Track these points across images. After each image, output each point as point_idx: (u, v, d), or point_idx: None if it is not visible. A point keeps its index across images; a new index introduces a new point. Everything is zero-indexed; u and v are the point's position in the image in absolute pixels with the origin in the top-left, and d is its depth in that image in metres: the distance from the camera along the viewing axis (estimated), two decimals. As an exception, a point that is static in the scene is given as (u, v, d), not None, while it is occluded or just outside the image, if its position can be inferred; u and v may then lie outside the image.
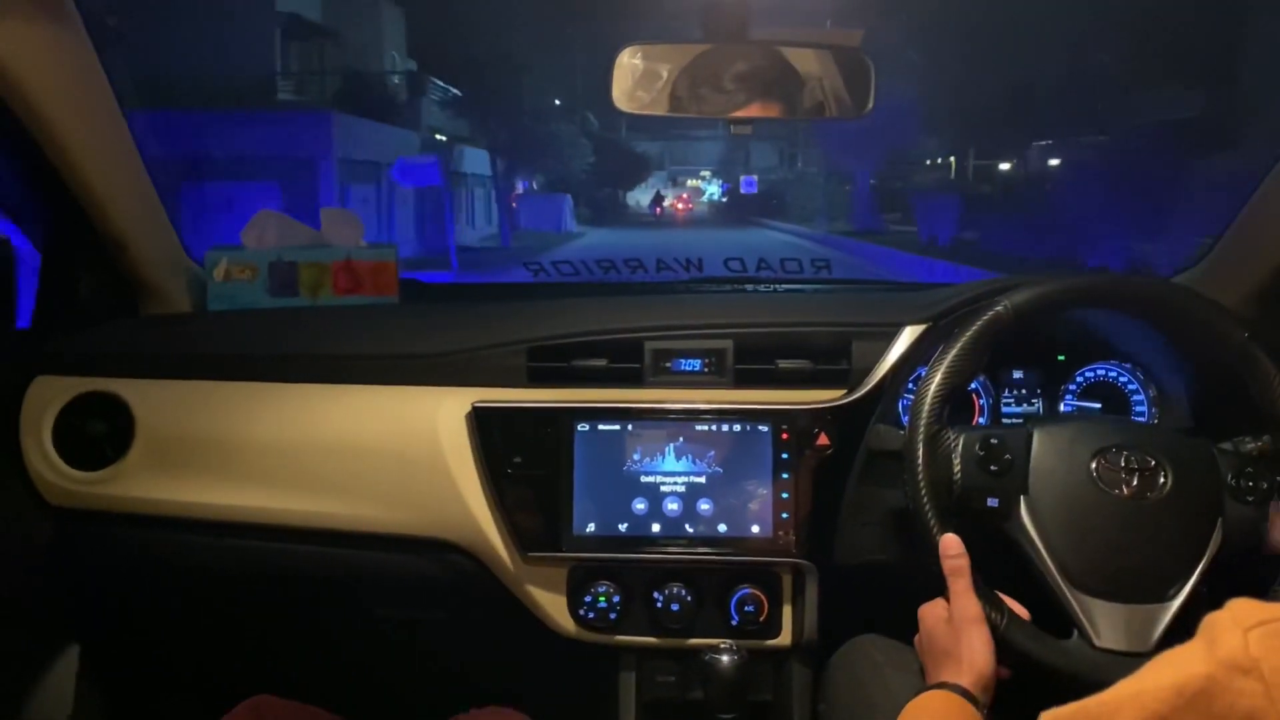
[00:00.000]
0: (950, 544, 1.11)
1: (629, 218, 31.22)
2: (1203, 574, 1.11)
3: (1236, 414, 1.22)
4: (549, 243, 20.10)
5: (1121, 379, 1.50)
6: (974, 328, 1.19)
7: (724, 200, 37.09)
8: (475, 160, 22.36)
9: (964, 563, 1.10)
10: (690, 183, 41.17)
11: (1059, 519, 1.13)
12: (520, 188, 26.00)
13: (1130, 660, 1.06)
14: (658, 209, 33.71)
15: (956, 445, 1.16)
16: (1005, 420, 1.50)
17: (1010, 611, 1.09)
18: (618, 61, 1.24)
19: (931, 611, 1.12)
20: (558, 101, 25.10)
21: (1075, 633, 1.09)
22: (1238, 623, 0.60)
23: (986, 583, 1.11)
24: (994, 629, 1.07)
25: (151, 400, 1.39)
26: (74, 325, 1.48)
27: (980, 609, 1.07)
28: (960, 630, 1.06)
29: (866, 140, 20.46)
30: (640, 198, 35.67)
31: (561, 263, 1.89)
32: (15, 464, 1.38)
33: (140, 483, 1.38)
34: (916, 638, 1.15)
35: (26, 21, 1.15)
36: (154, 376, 1.41)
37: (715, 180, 39.13)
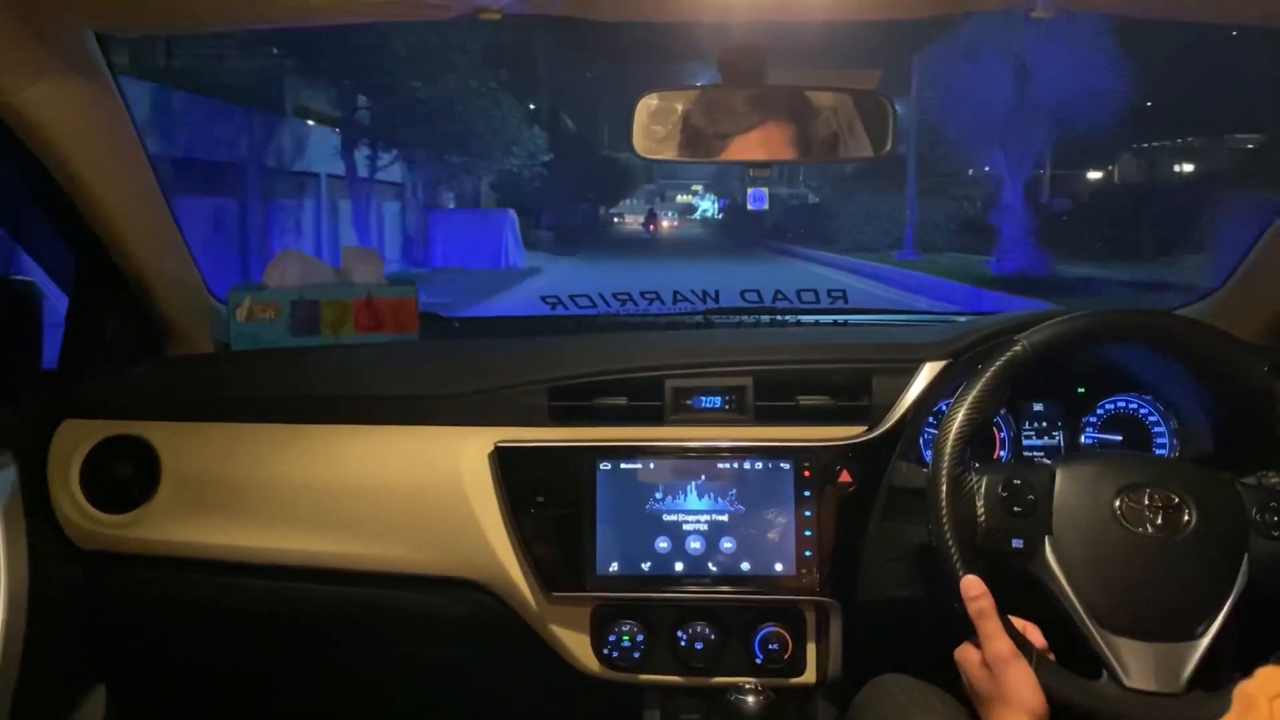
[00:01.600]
0: (971, 585, 1.10)
1: (611, 241, 24.73)
2: (1230, 611, 1.10)
3: (1259, 446, 1.22)
4: (472, 290, 11.79)
5: (1142, 411, 1.50)
6: (993, 368, 1.19)
7: (720, 218, 33.17)
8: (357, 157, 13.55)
9: (988, 603, 1.09)
10: (680, 198, 37.71)
11: (1084, 558, 1.13)
12: (450, 200, 17.92)
13: (1160, 700, 1.06)
14: (651, 226, 29.95)
15: (979, 486, 1.16)
16: (1026, 453, 1.50)
17: (1038, 652, 1.09)
18: (637, 108, 1.26)
19: (967, 656, 1.11)
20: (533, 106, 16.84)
21: (1104, 673, 1.09)
22: (1264, 692, 0.61)
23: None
24: None
25: (177, 443, 1.41)
26: (100, 367, 1.50)
27: (1013, 647, 1.07)
28: (998, 672, 1.06)
29: (1020, 128, 12.87)
30: (625, 216, 31.03)
31: (579, 296, 1.90)
32: (43, 507, 1.40)
33: (166, 525, 1.39)
34: (964, 682, 1.14)
35: (56, 77, 1.17)
36: (179, 419, 1.43)
37: (709, 195, 35.70)
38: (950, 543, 1.13)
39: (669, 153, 1.29)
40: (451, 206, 18.04)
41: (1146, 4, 1.08)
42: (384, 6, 1.01)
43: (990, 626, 1.08)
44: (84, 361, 1.51)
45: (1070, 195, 17.27)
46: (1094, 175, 18.93)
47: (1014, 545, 1.15)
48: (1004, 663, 1.05)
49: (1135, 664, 1.08)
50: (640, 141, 1.28)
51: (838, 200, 20.51)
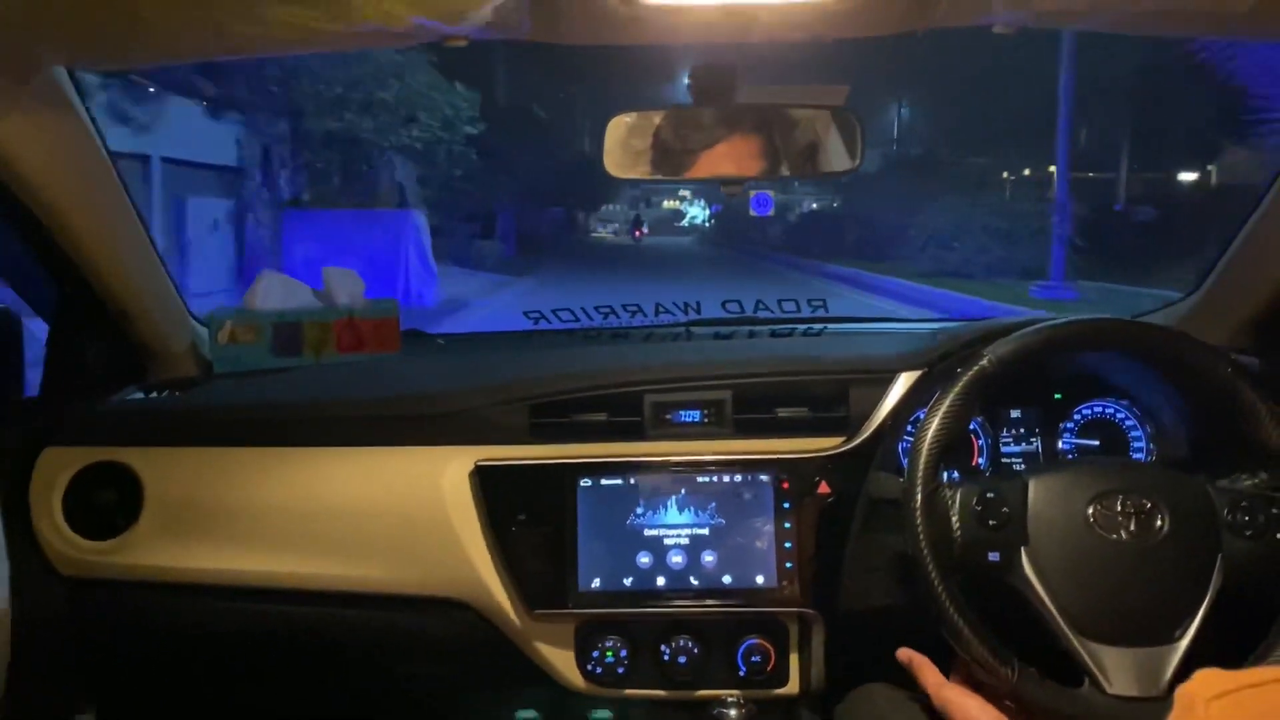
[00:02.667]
0: (900, 655, 1.21)
1: (584, 255, 20.73)
2: (1207, 612, 1.12)
3: (1232, 449, 1.23)
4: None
5: (1119, 416, 1.51)
6: (961, 383, 1.20)
7: (711, 225, 29.99)
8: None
9: (918, 659, 1.19)
10: (666, 204, 34.39)
11: (1061, 568, 1.14)
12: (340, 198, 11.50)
13: (1143, 706, 1.07)
14: (637, 233, 27.22)
15: (954, 502, 1.17)
16: (1004, 459, 1.52)
17: (1020, 665, 1.10)
18: (609, 128, 1.27)
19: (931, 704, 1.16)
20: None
21: (1086, 680, 1.10)
22: (1200, 696, 0.62)
23: (995, 635, 1.12)
24: (1005, 683, 1.08)
25: (159, 468, 1.41)
26: (82, 394, 1.50)
27: (939, 677, 1.14)
28: (950, 707, 1.11)
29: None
30: (606, 224, 27.09)
31: (561, 310, 1.91)
32: (26, 534, 1.40)
33: (150, 550, 1.40)
34: None
35: (27, 114, 1.18)
36: (161, 444, 1.43)
37: (698, 201, 32.47)
38: (928, 559, 1.14)
39: (642, 172, 1.30)
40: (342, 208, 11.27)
41: (1110, 20, 1.09)
42: (348, 37, 1.02)
43: (927, 677, 1.16)
44: (65, 388, 1.52)
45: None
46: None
47: (991, 558, 1.15)
48: (945, 701, 1.11)
49: (1116, 670, 1.09)
50: (612, 161, 1.29)
51: (892, 208, 15.02)
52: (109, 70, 1.51)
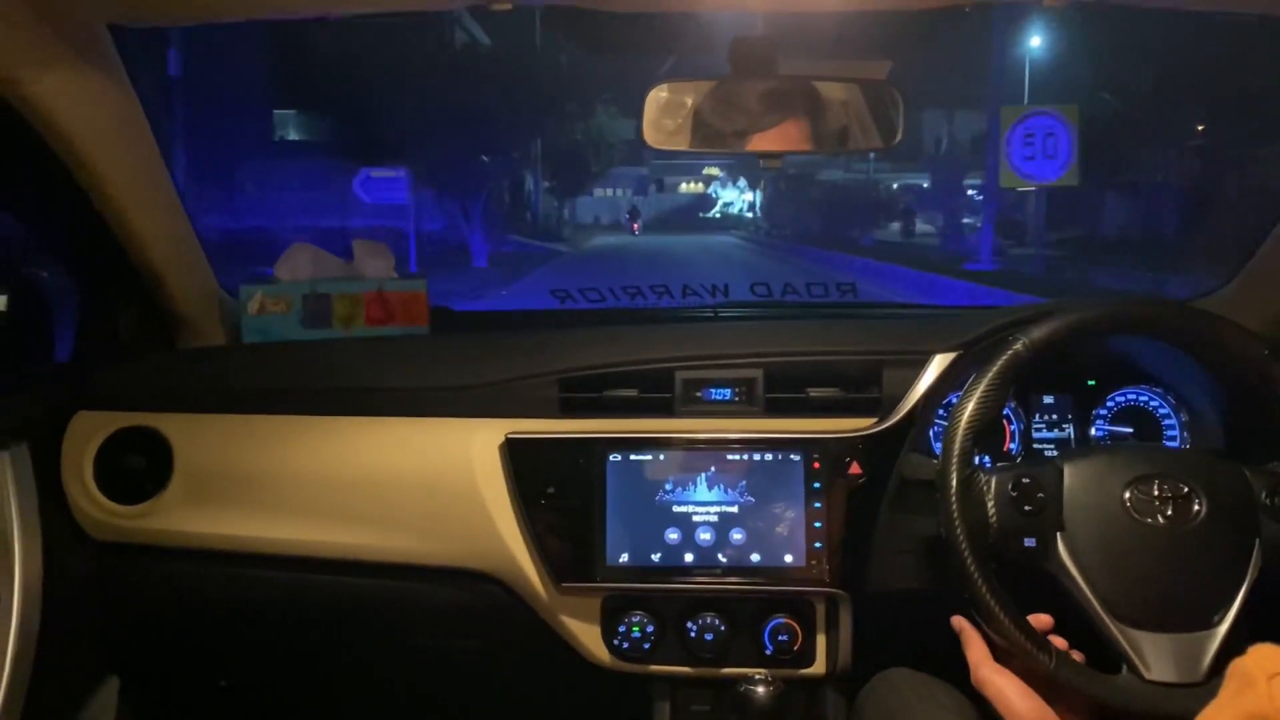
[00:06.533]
0: (954, 622, 1.17)
1: (573, 255, 16.95)
2: (1246, 597, 1.10)
3: (1269, 435, 1.22)
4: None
5: (1152, 403, 1.49)
6: (995, 366, 1.19)
7: (763, 218, 22.01)
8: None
9: (969, 631, 1.15)
10: (686, 187, 25.04)
11: (1097, 553, 1.13)
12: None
13: (1182, 691, 1.06)
14: (635, 227, 22.47)
15: (989, 487, 1.16)
16: (1036, 445, 1.50)
17: (1059, 651, 1.09)
18: (648, 98, 1.26)
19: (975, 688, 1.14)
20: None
21: (1124, 667, 1.08)
22: (1260, 671, 0.61)
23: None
24: (1042, 669, 1.07)
25: (189, 434, 1.42)
26: (113, 360, 1.51)
27: (983, 654, 1.11)
28: (987, 687, 1.10)
29: None
30: (588, 212, 20.48)
31: (589, 290, 1.91)
32: (57, 498, 1.41)
33: (179, 516, 1.40)
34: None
35: (72, 69, 1.18)
36: (191, 411, 1.43)
37: (736, 182, 23.99)
38: (963, 543, 1.13)
39: (680, 144, 1.29)
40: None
41: None
42: (396, -3, 1.02)
43: (971, 652, 1.13)
44: (97, 354, 1.52)
45: None
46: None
47: (1027, 544, 1.14)
48: (983, 681, 1.09)
49: (1155, 656, 1.08)
50: (649, 133, 1.28)
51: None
52: (153, 25, 1.51)
